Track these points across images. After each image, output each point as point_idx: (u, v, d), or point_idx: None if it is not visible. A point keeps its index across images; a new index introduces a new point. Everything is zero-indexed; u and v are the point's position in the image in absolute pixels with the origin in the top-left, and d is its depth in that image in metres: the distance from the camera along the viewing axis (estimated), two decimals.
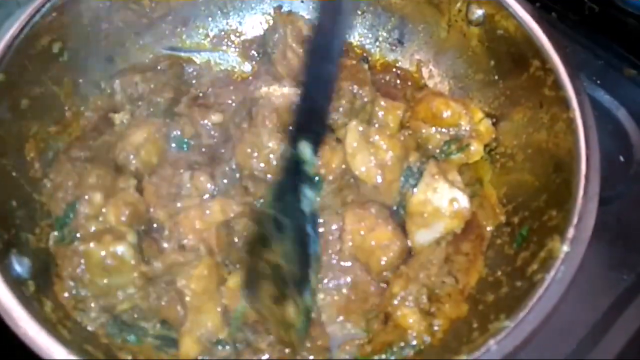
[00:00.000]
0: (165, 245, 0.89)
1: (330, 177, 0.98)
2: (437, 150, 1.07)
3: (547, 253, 0.83)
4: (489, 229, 1.01)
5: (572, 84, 0.94)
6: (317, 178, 0.97)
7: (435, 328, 0.91)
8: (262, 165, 0.96)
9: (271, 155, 0.96)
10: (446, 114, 1.06)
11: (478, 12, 1.08)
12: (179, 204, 0.92)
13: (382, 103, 1.06)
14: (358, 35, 1.25)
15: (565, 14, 1.40)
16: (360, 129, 0.99)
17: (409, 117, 1.07)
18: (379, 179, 0.98)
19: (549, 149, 0.96)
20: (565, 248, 0.80)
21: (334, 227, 0.97)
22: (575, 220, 0.82)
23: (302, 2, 1.22)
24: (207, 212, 0.89)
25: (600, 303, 1.06)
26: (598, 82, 1.29)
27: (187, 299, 0.82)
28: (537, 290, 0.78)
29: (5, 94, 0.92)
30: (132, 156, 0.97)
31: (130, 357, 0.83)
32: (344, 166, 0.99)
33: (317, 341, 0.87)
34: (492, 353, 0.73)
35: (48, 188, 0.94)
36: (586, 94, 0.93)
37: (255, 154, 0.97)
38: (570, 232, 0.81)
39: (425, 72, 1.20)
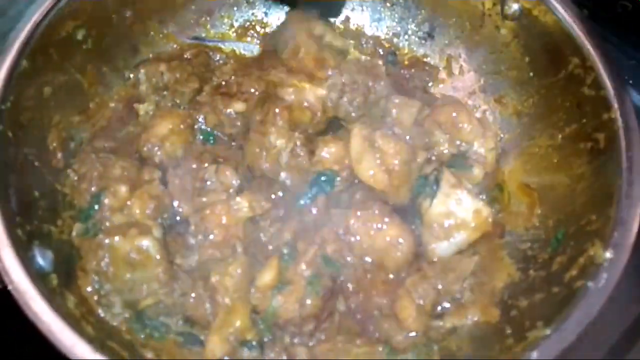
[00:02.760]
0: (192, 241, 0.87)
1: (344, 174, 0.95)
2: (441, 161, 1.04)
3: (587, 259, 0.81)
4: (516, 232, 0.98)
5: (613, 84, 0.91)
6: (328, 174, 0.95)
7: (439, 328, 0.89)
8: (267, 165, 0.95)
9: (280, 154, 0.94)
10: (466, 127, 1.02)
11: (514, 7, 1.04)
12: (204, 199, 0.89)
13: (396, 100, 1.02)
14: (386, 28, 1.21)
15: (597, 12, 1.36)
16: (365, 132, 0.96)
17: (427, 115, 1.03)
18: (387, 184, 0.95)
19: (586, 150, 0.93)
20: (608, 254, 0.77)
21: (344, 229, 0.93)
22: (618, 225, 0.79)
23: None
24: (235, 207, 0.86)
25: (632, 309, 1.03)
26: (630, 81, 1.25)
27: (219, 296, 0.79)
28: (578, 298, 0.75)
29: (29, 81, 0.89)
30: (156, 148, 0.94)
31: (153, 355, 0.81)
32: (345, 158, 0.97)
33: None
34: None
35: (71, 179, 0.92)
36: (628, 94, 0.90)
37: (264, 154, 0.95)
38: (614, 237, 0.78)
39: (455, 67, 1.16)
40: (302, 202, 0.95)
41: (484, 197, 1.01)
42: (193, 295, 0.84)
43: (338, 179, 0.96)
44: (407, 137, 0.99)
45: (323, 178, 0.96)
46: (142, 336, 0.83)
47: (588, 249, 0.82)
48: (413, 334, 0.88)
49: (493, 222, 0.94)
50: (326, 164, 0.96)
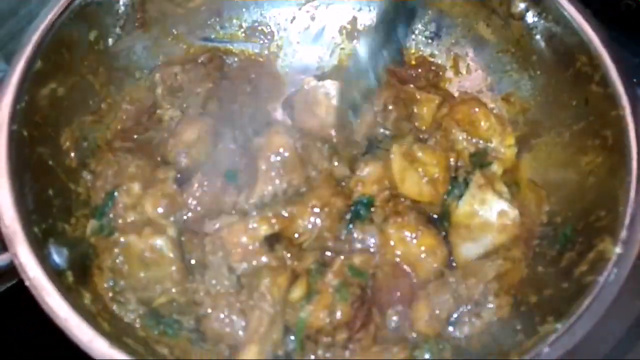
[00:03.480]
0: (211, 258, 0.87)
1: (383, 195, 0.96)
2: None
3: (597, 255, 0.81)
4: (531, 228, 0.98)
5: (621, 81, 0.91)
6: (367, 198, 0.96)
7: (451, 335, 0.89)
8: None
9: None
10: (484, 125, 1.03)
11: (521, 6, 1.05)
12: (220, 221, 0.90)
13: (418, 96, 1.03)
14: None
15: (601, 10, 1.37)
16: (404, 149, 0.96)
17: (444, 115, 1.04)
18: (433, 194, 0.96)
19: (595, 147, 0.94)
20: (618, 250, 0.78)
21: (373, 240, 0.94)
22: (627, 221, 0.80)
23: None
24: (253, 226, 0.87)
25: (638, 305, 1.03)
26: (634, 80, 1.26)
27: (266, 304, 0.80)
28: (588, 293, 0.76)
29: (43, 81, 0.91)
30: (183, 154, 0.96)
31: (167, 352, 0.82)
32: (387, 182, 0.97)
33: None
34: (544, 356, 0.71)
35: (86, 177, 0.93)
36: (637, 91, 0.91)
37: None
38: (623, 233, 0.78)
39: (462, 66, 1.17)
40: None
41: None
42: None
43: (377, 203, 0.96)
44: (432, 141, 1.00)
45: (360, 205, 0.96)
46: (156, 332, 0.84)
47: (597, 244, 0.82)
48: (422, 337, 0.88)
49: (523, 226, 0.94)
50: (367, 185, 0.96)
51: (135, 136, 1.01)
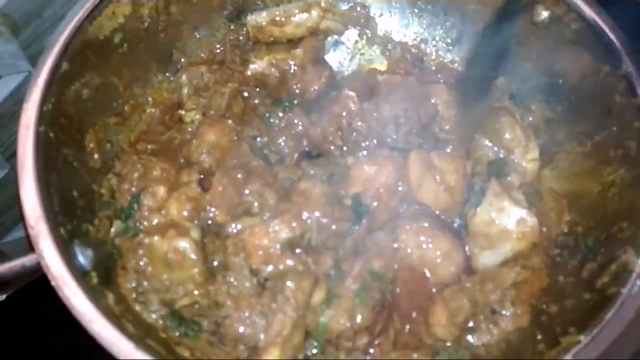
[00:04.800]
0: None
1: (392, 204, 0.96)
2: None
3: (619, 266, 0.81)
4: (550, 237, 0.98)
5: None
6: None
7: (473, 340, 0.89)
8: None
9: None
10: (508, 135, 1.02)
11: (544, 14, 1.05)
12: (241, 222, 0.91)
13: (450, 99, 1.03)
14: (414, 34, 1.23)
15: (627, 20, 1.36)
16: (422, 156, 0.97)
17: (471, 120, 1.04)
18: (449, 202, 0.96)
19: (617, 158, 0.93)
20: None
21: (392, 243, 0.94)
22: None
23: None
24: (274, 229, 0.87)
25: None
26: None
27: (289, 308, 0.80)
28: (611, 304, 0.76)
29: (69, 83, 0.92)
30: (205, 155, 0.97)
31: (188, 354, 0.82)
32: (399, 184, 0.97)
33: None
34: None
35: (111, 180, 0.94)
36: None
37: None
38: None
39: None
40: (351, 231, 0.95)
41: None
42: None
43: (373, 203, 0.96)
44: (453, 142, 1.00)
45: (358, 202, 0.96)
46: (177, 334, 0.85)
47: (620, 256, 0.82)
48: (440, 343, 0.88)
49: (542, 234, 0.94)
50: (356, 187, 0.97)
51: (157, 137, 1.02)
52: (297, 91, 1.10)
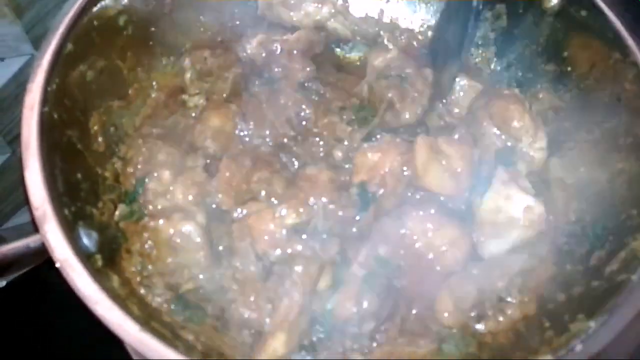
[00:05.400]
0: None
1: (398, 190, 0.95)
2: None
3: (628, 253, 0.80)
4: (557, 225, 0.97)
5: None
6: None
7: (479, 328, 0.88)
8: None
9: None
10: (517, 124, 1.00)
11: (554, 1, 1.04)
12: (247, 207, 0.90)
13: (463, 82, 1.02)
14: (421, 20, 1.21)
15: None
16: (429, 141, 0.96)
17: (481, 106, 1.03)
18: (455, 188, 0.95)
19: (626, 146, 0.93)
20: None
21: (398, 229, 0.93)
22: None
23: None
24: (280, 214, 0.86)
25: None
26: None
27: (296, 292, 0.79)
28: (621, 291, 0.75)
29: (73, 64, 0.90)
30: (209, 140, 0.96)
31: (192, 337, 0.81)
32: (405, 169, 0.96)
33: None
34: (576, 354, 0.70)
35: (115, 163, 0.93)
36: None
37: None
38: None
39: (491, 60, 1.16)
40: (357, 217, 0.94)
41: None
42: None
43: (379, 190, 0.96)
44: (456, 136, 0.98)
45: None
46: (182, 318, 0.84)
47: (629, 243, 0.82)
48: (447, 330, 0.88)
49: (549, 222, 0.93)
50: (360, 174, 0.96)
51: (161, 121, 1.01)
52: (279, 76, 1.08)
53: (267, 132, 0.99)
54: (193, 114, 1.03)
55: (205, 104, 1.04)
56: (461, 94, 1.04)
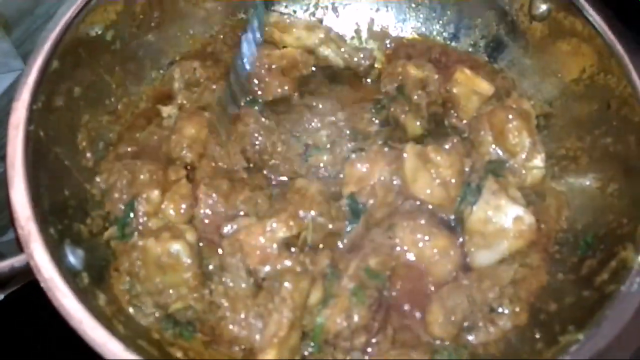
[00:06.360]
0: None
1: (389, 200, 0.95)
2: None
3: (619, 263, 0.80)
4: (549, 233, 0.97)
5: None
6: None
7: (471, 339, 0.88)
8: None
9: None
10: (512, 140, 0.99)
11: (542, 7, 1.04)
12: (235, 223, 0.90)
13: (467, 71, 1.03)
14: (411, 29, 1.21)
15: (627, 15, 1.34)
16: (418, 150, 0.95)
17: (484, 114, 1.02)
18: (444, 197, 0.94)
19: (616, 153, 0.92)
20: None
21: (387, 240, 0.93)
22: None
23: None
24: (270, 228, 0.86)
25: None
26: None
27: (286, 309, 0.78)
28: (610, 302, 0.74)
29: (59, 81, 0.90)
30: (185, 150, 0.96)
31: (181, 354, 0.81)
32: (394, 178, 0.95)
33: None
34: None
35: (100, 185, 0.93)
36: None
37: None
38: None
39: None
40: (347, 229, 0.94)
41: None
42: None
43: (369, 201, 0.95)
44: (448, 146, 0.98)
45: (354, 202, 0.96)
46: (171, 335, 0.84)
47: (619, 252, 0.81)
48: (438, 341, 0.87)
49: (540, 231, 0.92)
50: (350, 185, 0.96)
51: (137, 134, 1.00)
52: (259, 92, 1.08)
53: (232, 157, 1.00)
54: (165, 124, 1.02)
55: (179, 114, 1.04)
56: (472, 98, 1.03)
